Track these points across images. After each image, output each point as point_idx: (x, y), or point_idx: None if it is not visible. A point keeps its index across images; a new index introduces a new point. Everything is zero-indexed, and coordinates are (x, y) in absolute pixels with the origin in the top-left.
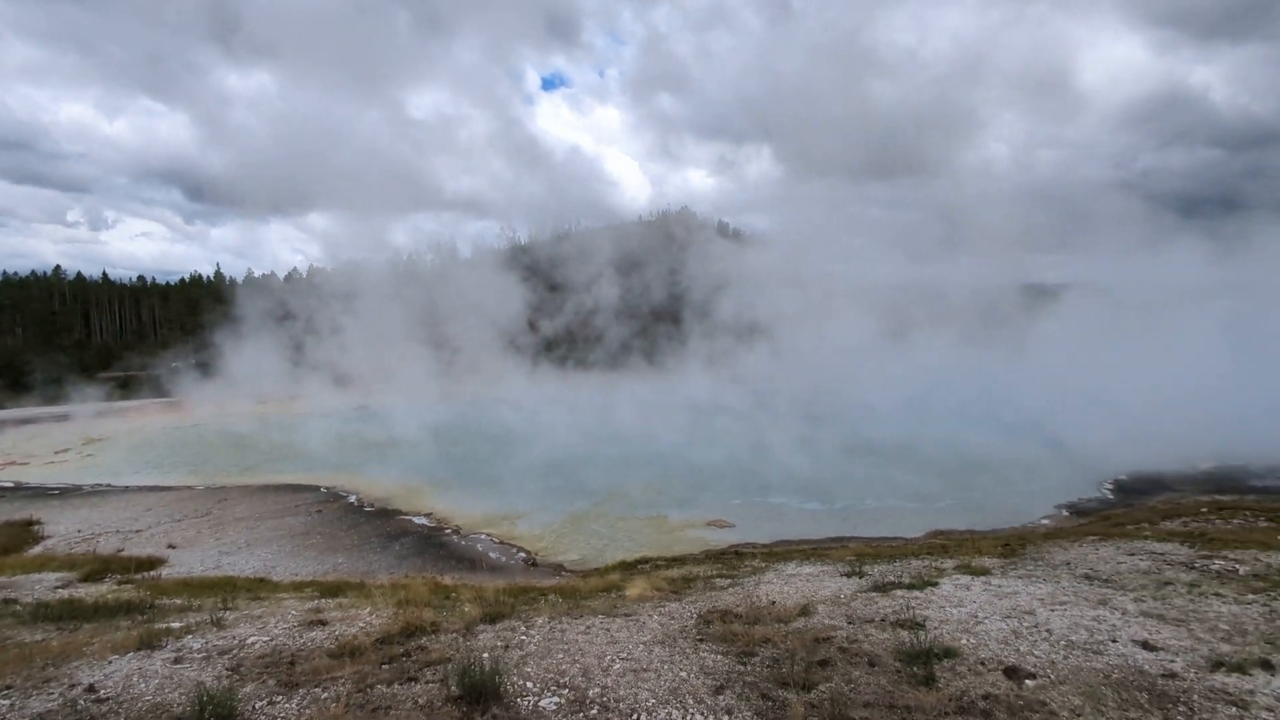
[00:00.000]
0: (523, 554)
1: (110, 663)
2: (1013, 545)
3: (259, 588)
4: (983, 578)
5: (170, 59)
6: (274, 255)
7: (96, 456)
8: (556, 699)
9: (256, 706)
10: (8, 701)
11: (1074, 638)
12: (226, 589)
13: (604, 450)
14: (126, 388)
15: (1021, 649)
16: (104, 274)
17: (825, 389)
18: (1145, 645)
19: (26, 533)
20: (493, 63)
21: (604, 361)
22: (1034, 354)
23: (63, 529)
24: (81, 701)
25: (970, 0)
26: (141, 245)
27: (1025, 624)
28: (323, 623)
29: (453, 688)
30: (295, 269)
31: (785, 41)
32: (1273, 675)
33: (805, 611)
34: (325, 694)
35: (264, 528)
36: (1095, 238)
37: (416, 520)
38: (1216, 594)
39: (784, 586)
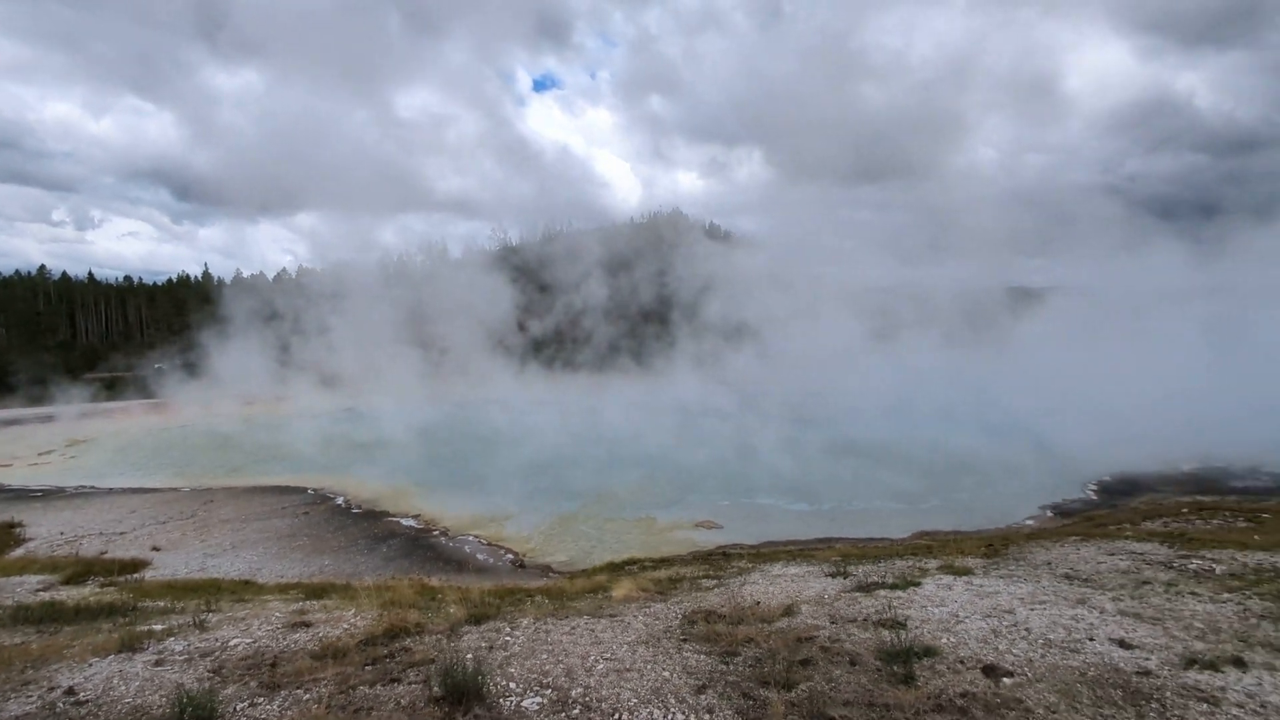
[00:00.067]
0: (510, 555)
1: (90, 665)
2: (996, 546)
3: (244, 590)
4: (965, 577)
5: (158, 57)
6: (263, 255)
7: (80, 458)
8: (539, 699)
9: (237, 708)
10: None
11: (1052, 636)
12: (211, 591)
13: (592, 451)
14: (112, 389)
15: (1000, 648)
16: (90, 274)
17: (813, 391)
18: (1121, 644)
19: (8, 535)
20: (483, 63)
21: (592, 362)
22: (1019, 356)
23: (45, 531)
24: (60, 704)
25: (959, 5)
26: (128, 245)
27: (1005, 623)
28: (307, 624)
29: (435, 688)
30: (284, 269)
31: (776, 45)
32: (1244, 672)
33: (789, 611)
34: (307, 695)
35: (250, 530)
36: (1081, 241)
37: (404, 522)
38: (1193, 593)
39: (769, 587)
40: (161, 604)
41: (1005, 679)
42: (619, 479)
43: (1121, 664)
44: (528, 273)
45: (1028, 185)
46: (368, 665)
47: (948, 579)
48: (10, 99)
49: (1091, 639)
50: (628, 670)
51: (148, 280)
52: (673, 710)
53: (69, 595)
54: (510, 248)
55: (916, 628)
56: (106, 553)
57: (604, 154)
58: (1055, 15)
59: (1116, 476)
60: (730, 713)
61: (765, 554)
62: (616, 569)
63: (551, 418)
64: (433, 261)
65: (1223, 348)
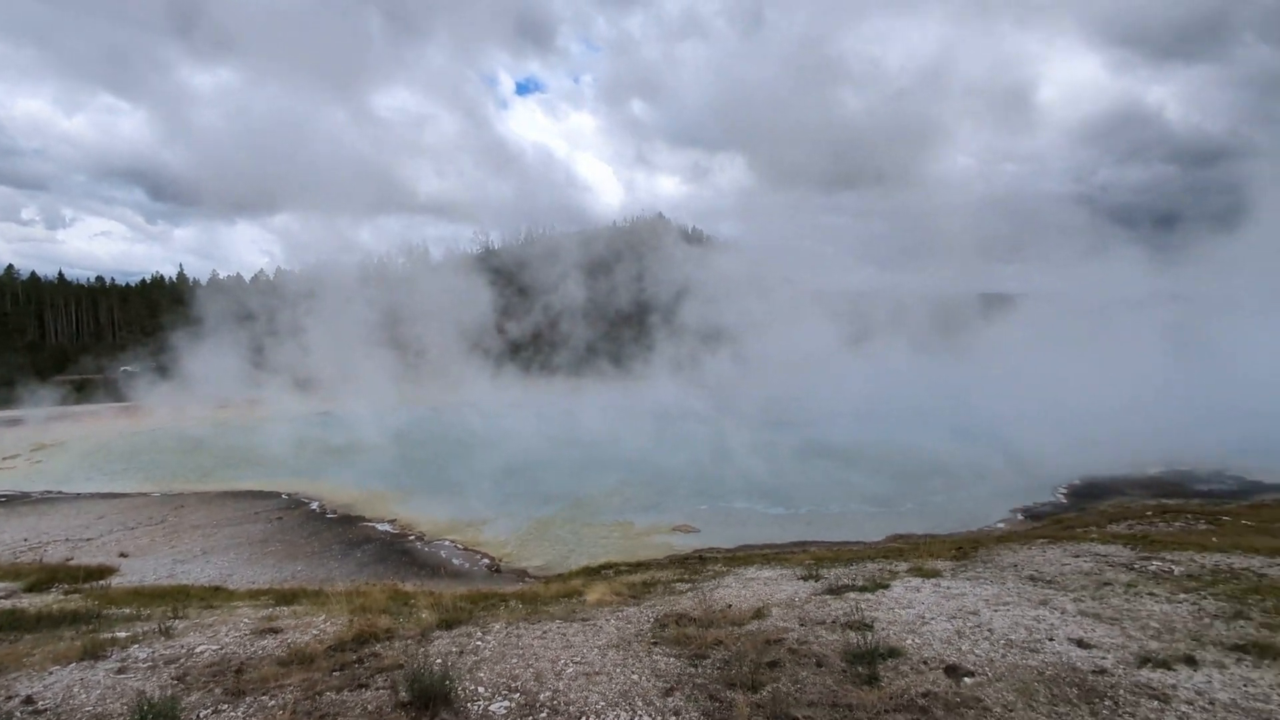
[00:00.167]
0: (487, 560)
1: (51, 674)
2: (965, 548)
3: (213, 596)
4: (933, 580)
5: (133, 54)
6: (240, 257)
7: (47, 463)
8: (507, 703)
9: (201, 715)
10: None
11: (1013, 637)
12: (179, 598)
13: (569, 455)
14: (82, 391)
15: (963, 648)
16: (60, 274)
17: (789, 394)
18: (1080, 643)
19: None
20: (466, 65)
21: (570, 365)
22: (991, 360)
23: (8, 538)
24: (18, 713)
25: (936, 16)
26: (101, 245)
27: (969, 624)
28: (275, 631)
29: (402, 694)
30: (261, 271)
31: (757, 52)
32: (1195, 670)
33: (759, 614)
34: (272, 702)
35: (221, 535)
36: (1053, 249)
37: (380, 527)
38: (1151, 594)
39: (741, 590)
40: (127, 611)
41: (966, 679)
42: (596, 483)
43: (1078, 663)
44: (506, 275)
45: (1002, 193)
46: (335, 671)
47: (916, 581)
48: None
49: (1051, 639)
50: (597, 674)
51: (120, 281)
52: (639, 712)
53: (31, 603)
54: (491, 250)
55: (883, 629)
56: (72, 559)
57: (587, 158)
58: (1029, 28)
59: (1085, 480)
60: (696, 714)
61: (741, 558)
62: (593, 573)
63: (529, 421)
64: (413, 264)
65: (1185, 353)
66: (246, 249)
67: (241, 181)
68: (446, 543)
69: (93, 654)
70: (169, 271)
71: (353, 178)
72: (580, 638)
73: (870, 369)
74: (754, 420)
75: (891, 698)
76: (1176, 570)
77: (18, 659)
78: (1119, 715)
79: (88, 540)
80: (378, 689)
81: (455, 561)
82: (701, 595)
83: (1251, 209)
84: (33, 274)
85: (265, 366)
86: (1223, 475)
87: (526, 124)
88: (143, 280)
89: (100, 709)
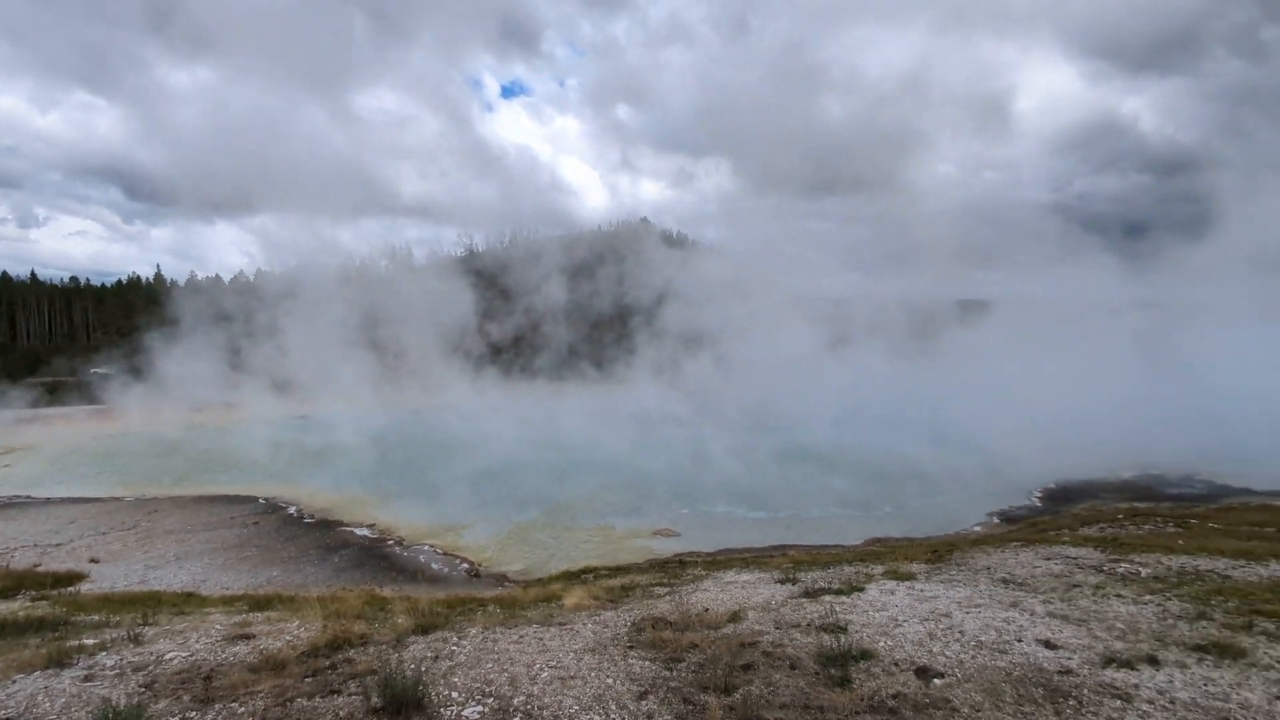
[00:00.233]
0: (466, 565)
1: (14, 682)
2: (940, 552)
3: (185, 602)
4: (908, 583)
5: (110, 52)
6: (219, 258)
7: (16, 466)
8: (480, 708)
9: None
10: None
11: (983, 638)
12: (150, 604)
13: (550, 459)
14: (54, 394)
15: (935, 650)
16: (33, 273)
17: (770, 399)
18: (1047, 644)
19: None
20: (451, 68)
21: (551, 369)
22: (968, 365)
23: None
24: None
25: (917, 25)
26: (75, 244)
27: (941, 626)
28: (248, 637)
29: (374, 699)
30: (241, 272)
31: (742, 58)
32: (1157, 670)
33: (735, 618)
34: (242, 709)
35: (195, 540)
36: (1030, 256)
37: (358, 532)
38: (1118, 595)
39: (719, 594)
40: (96, 618)
41: (936, 680)
42: (577, 487)
43: (1045, 664)
44: (488, 278)
45: (980, 201)
46: (307, 677)
47: (891, 584)
48: None
49: (1020, 640)
50: (572, 678)
51: (96, 281)
52: (613, 716)
53: None
54: (474, 253)
55: (857, 632)
56: (40, 565)
57: (572, 161)
58: (1007, 38)
59: (1060, 484)
60: (670, 717)
61: (720, 561)
62: (572, 578)
63: (510, 425)
64: (395, 266)
65: (1157, 359)
66: (226, 250)
67: (221, 181)
68: (426, 547)
69: (58, 661)
70: (146, 272)
71: (334, 179)
72: (556, 642)
73: (850, 373)
74: (735, 424)
75: (862, 699)
76: (1144, 572)
77: None
78: (1083, 714)
79: (57, 546)
80: (350, 695)
81: (434, 566)
82: (679, 599)
83: (1221, 218)
84: (4, 274)
85: (243, 369)
86: (1192, 479)
87: (511, 127)
88: (119, 281)
89: (65, 718)
